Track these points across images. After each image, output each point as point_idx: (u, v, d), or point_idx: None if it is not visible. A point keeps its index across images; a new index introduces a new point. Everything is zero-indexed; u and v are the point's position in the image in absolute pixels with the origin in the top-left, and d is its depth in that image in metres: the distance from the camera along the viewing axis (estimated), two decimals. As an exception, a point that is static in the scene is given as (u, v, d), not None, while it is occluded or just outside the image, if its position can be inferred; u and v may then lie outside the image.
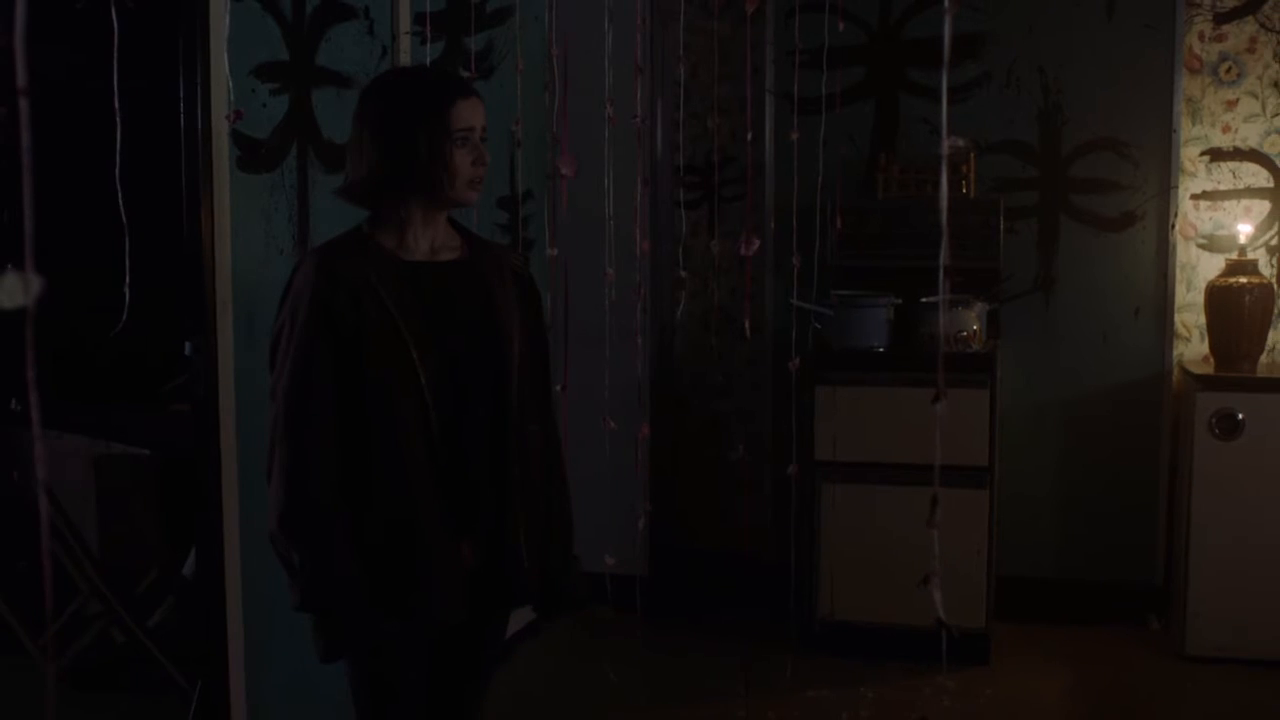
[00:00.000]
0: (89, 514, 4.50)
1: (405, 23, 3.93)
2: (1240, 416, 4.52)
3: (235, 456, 3.20)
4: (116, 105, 2.49)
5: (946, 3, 1.72)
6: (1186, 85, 4.97)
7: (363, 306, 2.38)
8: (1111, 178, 5.02)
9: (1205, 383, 4.62)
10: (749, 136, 3.96)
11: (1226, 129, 4.98)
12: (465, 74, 4.20)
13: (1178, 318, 5.04)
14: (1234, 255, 4.77)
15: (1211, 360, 4.83)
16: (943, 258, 1.80)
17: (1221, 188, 5.00)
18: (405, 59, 3.90)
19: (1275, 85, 4.92)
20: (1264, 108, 4.94)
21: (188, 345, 3.23)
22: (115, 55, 2.43)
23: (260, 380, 3.29)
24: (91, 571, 4.28)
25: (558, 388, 2.20)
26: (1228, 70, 4.96)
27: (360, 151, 2.48)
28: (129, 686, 4.28)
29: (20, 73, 1.39)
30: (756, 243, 2.53)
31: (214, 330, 3.15)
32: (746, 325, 3.68)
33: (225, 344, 3.17)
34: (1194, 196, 5.01)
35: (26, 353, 1.00)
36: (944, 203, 1.41)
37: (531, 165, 4.87)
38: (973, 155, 4.88)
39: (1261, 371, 4.72)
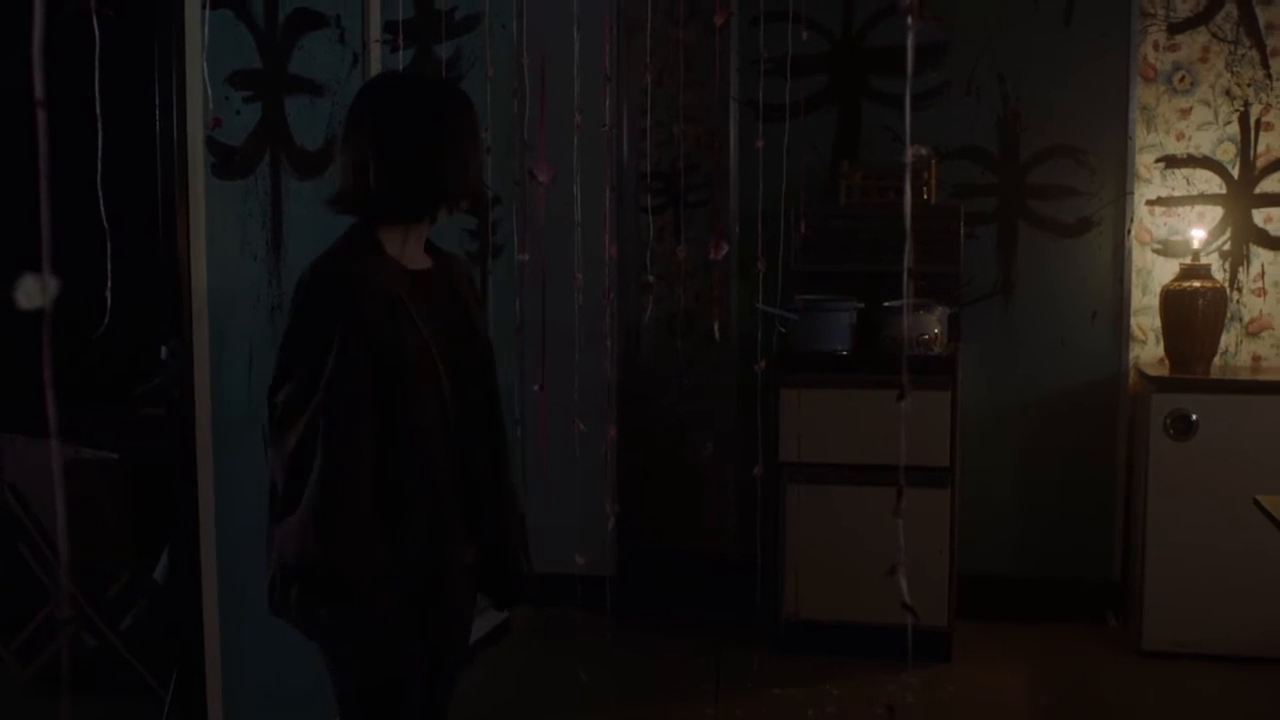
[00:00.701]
0: (59, 518, 4.51)
1: (375, 31, 3.98)
2: (1194, 417, 4.62)
3: (211, 457, 3.24)
4: (98, 112, 2.52)
5: (909, 18, 1.78)
6: (1141, 94, 5.06)
7: (398, 319, 2.33)
8: (1069, 184, 5.11)
9: (1160, 384, 4.71)
10: (716, 144, 4.01)
11: (1180, 136, 5.07)
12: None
13: (1133, 321, 5.13)
14: (1188, 260, 4.85)
15: (1166, 362, 4.91)
16: (906, 262, 1.88)
17: (1176, 194, 5.09)
18: (376, 67, 3.94)
19: (1227, 94, 5.02)
20: (1216, 116, 5.04)
21: (163, 349, 3.26)
22: (97, 63, 2.46)
23: (234, 382, 3.35)
24: (62, 575, 4.30)
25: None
26: (1181, 79, 5.06)
27: (378, 160, 2.37)
28: (101, 689, 4.28)
29: (38, 85, 1.43)
30: (725, 247, 2.58)
31: (190, 334, 3.20)
32: (715, 328, 3.74)
33: (201, 347, 3.21)
34: (1149, 202, 5.10)
35: (43, 354, 1.04)
36: (908, 209, 1.47)
37: (500, 171, 4.91)
38: (934, 162, 4.96)
39: (1215, 373, 4.81)
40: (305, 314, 2.33)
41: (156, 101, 3.19)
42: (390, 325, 2.31)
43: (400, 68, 4.07)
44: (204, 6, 3.10)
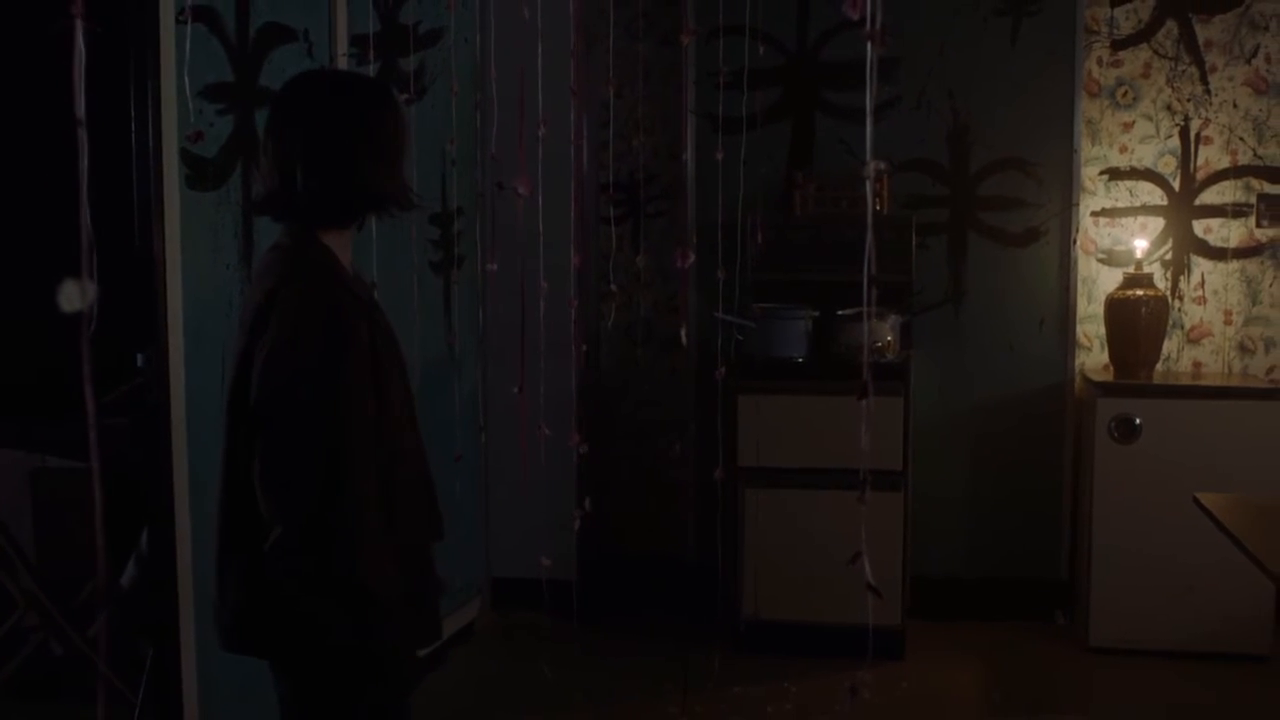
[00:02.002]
0: (25, 527, 4.53)
1: (343, 44, 4.03)
2: (1138, 421, 4.76)
3: (186, 462, 3.30)
4: (79, 121, 2.57)
5: (870, 44, 1.89)
6: (1086, 108, 5.20)
7: (376, 330, 2.29)
8: (1017, 195, 5.23)
9: (1105, 390, 4.84)
10: (683, 157, 4.11)
11: (1124, 149, 5.22)
12: (404, 95, 4.34)
13: (1079, 328, 5.26)
14: (1131, 269, 4.99)
15: (1111, 368, 5.05)
16: (867, 270, 1.97)
17: (1119, 205, 5.23)
18: None
19: (1168, 108, 5.17)
20: (1158, 129, 5.19)
21: (139, 356, 3.32)
22: (82, 76, 2.51)
23: (208, 389, 3.40)
24: (29, 584, 4.32)
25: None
26: (1124, 94, 5.21)
27: (307, 161, 2.25)
28: (68, 697, 4.29)
29: (78, 104, 1.51)
30: (691, 256, 2.67)
31: (166, 342, 3.25)
32: (683, 334, 3.84)
33: (176, 355, 3.26)
34: (1094, 213, 5.24)
35: (83, 358, 1.10)
36: (870, 220, 1.58)
37: (463, 183, 4.99)
38: (886, 174, 5.07)
39: (1157, 379, 4.95)
40: (300, 333, 2.19)
41: (133, 114, 3.24)
42: (372, 339, 2.26)
43: (367, 81, 4.17)
44: (186, 21, 3.15)
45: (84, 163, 1.03)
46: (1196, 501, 3.39)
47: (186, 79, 3.11)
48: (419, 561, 2.41)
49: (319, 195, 2.26)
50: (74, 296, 2.36)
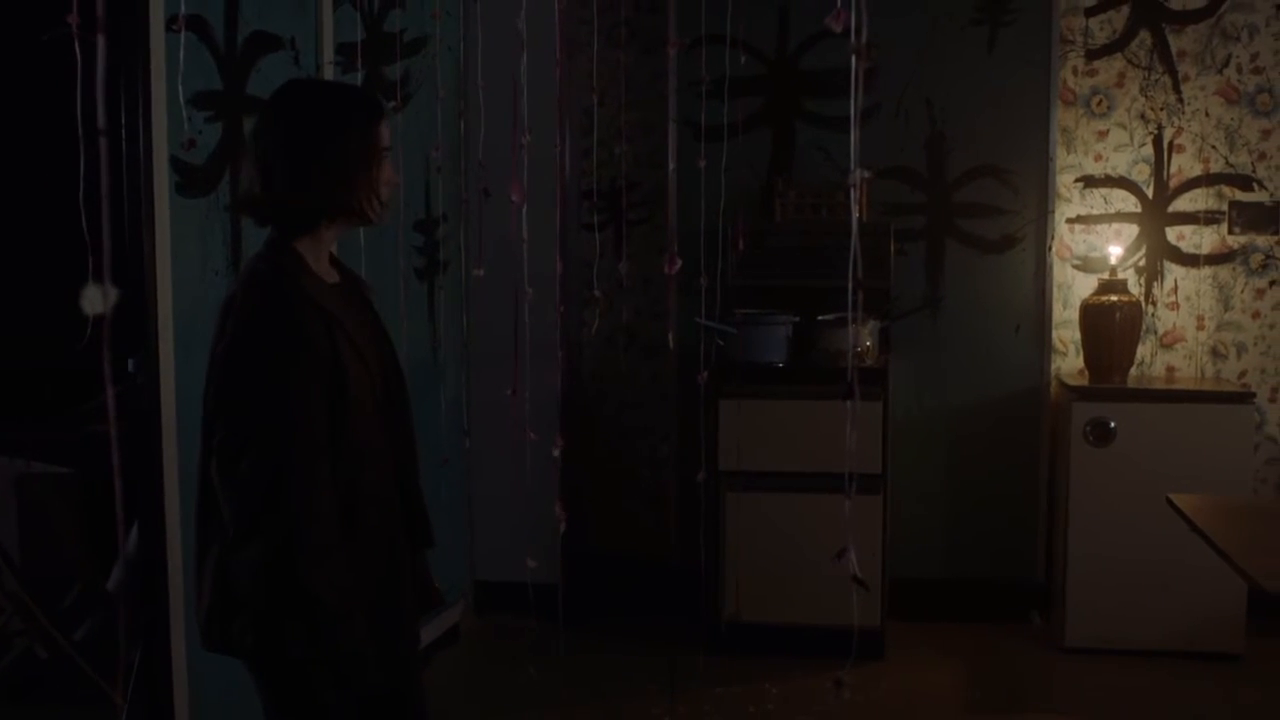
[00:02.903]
0: (10, 532, 4.55)
1: (329, 53, 4.06)
2: (1112, 425, 4.82)
3: (176, 466, 3.32)
4: (80, 133, 2.60)
5: (855, 57, 1.94)
6: (1061, 116, 5.26)
7: (332, 333, 2.29)
8: (993, 203, 5.28)
9: (1080, 394, 4.91)
10: (671, 166, 4.15)
11: (1098, 157, 5.29)
12: (390, 103, 4.38)
13: (1055, 334, 5.32)
14: (1106, 275, 5.06)
15: (1086, 373, 5.11)
16: (852, 275, 2.03)
17: (1094, 212, 5.30)
18: None
19: (1142, 117, 5.25)
20: (1132, 138, 5.26)
21: (130, 361, 3.35)
22: (79, 85, 2.55)
23: (197, 394, 3.43)
24: (14, 587, 4.34)
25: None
26: (1099, 103, 5.28)
27: (280, 165, 2.33)
28: (55, 701, 4.32)
29: (101, 115, 1.55)
30: (679, 262, 2.71)
31: (156, 347, 3.28)
32: (670, 338, 3.86)
33: (166, 360, 3.29)
34: (1069, 220, 5.31)
35: (103, 358, 1.14)
36: (855, 228, 1.64)
37: (447, 189, 5.03)
38: (865, 180, 5.12)
39: (1131, 383, 5.02)
40: (250, 337, 2.25)
41: (123, 122, 3.28)
42: (327, 340, 2.27)
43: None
44: (179, 31, 3.18)
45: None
46: (1170, 503, 3.44)
47: (180, 87, 3.14)
48: (388, 571, 2.42)
49: (284, 200, 2.35)
50: (95, 300, 2.41)
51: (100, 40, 2.67)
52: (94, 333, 2.89)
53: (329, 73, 4.06)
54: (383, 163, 2.40)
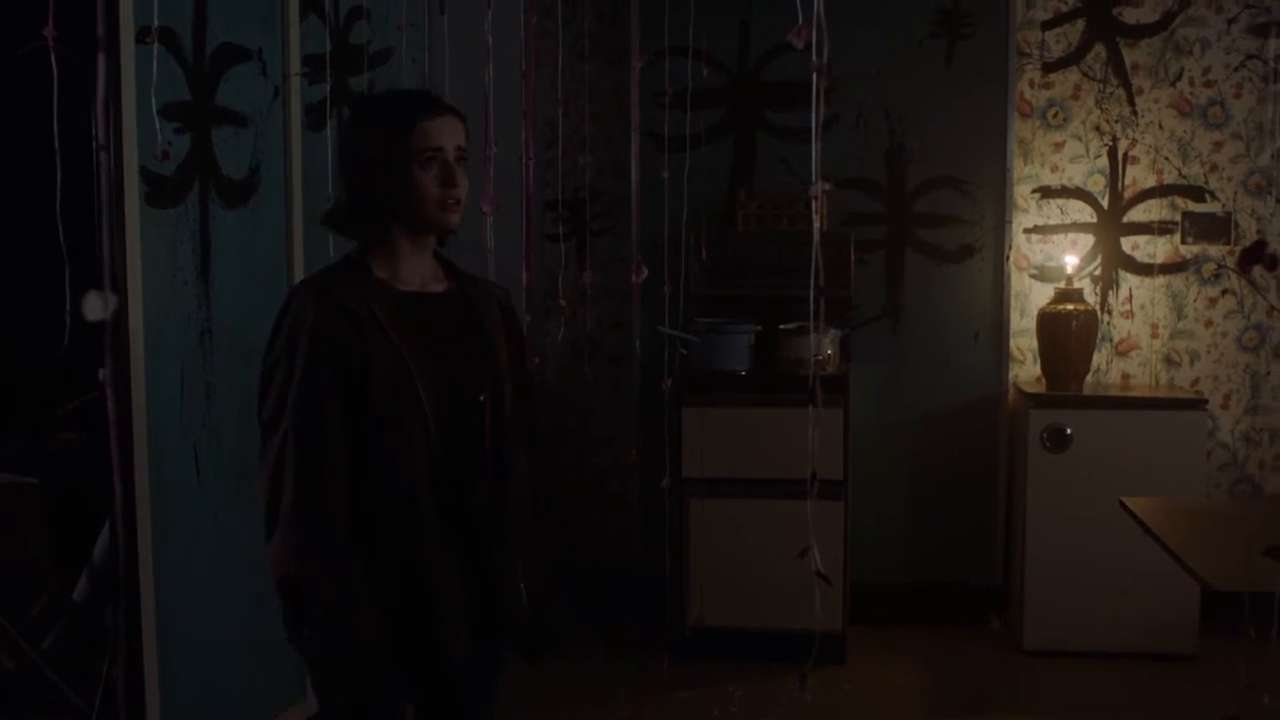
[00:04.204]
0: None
1: (295, 64, 4.08)
2: (1069, 431, 4.92)
3: (147, 474, 3.34)
4: (57, 145, 2.63)
5: (816, 75, 2.00)
6: (1018, 128, 5.36)
7: (366, 337, 2.30)
8: (952, 213, 5.37)
9: (1037, 401, 4.99)
10: (636, 177, 4.19)
11: (1055, 168, 5.39)
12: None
13: (1012, 342, 5.41)
14: (1062, 284, 5.15)
15: (1043, 380, 5.20)
16: (813, 284, 2.09)
17: (1050, 222, 5.40)
18: (295, 99, 4.05)
19: (1097, 129, 5.35)
20: (1087, 149, 5.37)
21: (101, 371, 3.37)
22: (55, 99, 2.57)
23: (168, 402, 3.47)
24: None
25: (480, 399, 2.31)
26: (1055, 115, 5.38)
27: (337, 178, 2.45)
28: (22, 710, 4.29)
29: (101, 130, 1.58)
30: (645, 271, 2.77)
31: (128, 356, 3.30)
32: (637, 345, 3.91)
33: (138, 369, 3.31)
34: (1026, 230, 5.40)
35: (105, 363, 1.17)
36: (816, 237, 1.70)
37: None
38: (826, 192, 5.18)
39: (1087, 390, 5.12)
40: (274, 333, 2.34)
41: (94, 133, 3.30)
42: (358, 344, 2.29)
43: (319, 100, 4.24)
44: (151, 43, 3.21)
45: (107, 187, 1.10)
46: (1123, 505, 3.49)
47: (154, 99, 3.17)
48: (412, 572, 2.36)
49: (343, 209, 2.46)
50: (96, 307, 2.47)
51: (101, 59, 2.70)
52: (71, 340, 2.93)
53: (295, 84, 4.07)
54: (427, 165, 2.35)
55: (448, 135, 2.37)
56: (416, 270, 2.45)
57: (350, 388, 2.29)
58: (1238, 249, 5.26)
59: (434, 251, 2.51)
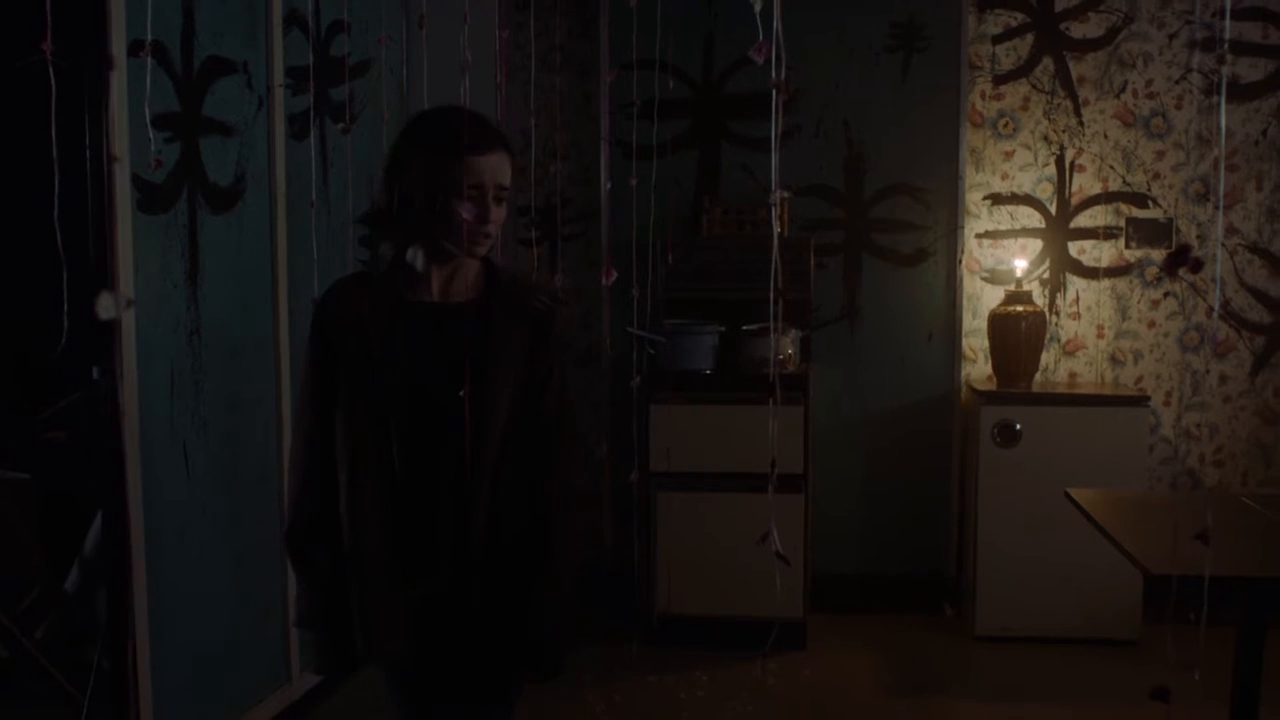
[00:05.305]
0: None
1: (279, 76, 4.19)
2: (1018, 426, 5.10)
3: (139, 471, 3.46)
4: (55, 155, 2.76)
5: (776, 91, 2.17)
6: (970, 138, 5.55)
7: (346, 340, 2.36)
8: (907, 219, 5.55)
9: (988, 398, 5.16)
10: (608, 186, 4.33)
11: (1005, 176, 5.58)
12: (338, 125, 4.56)
13: (965, 342, 5.60)
14: (1012, 287, 5.34)
15: (994, 378, 5.38)
16: (774, 287, 2.24)
17: (1001, 228, 5.59)
18: (279, 109, 4.17)
19: (1045, 139, 5.55)
20: (1036, 158, 5.56)
21: (95, 370, 3.49)
22: (53, 110, 2.70)
23: (158, 401, 3.60)
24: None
25: (459, 394, 2.38)
26: (1005, 125, 5.58)
27: (380, 182, 2.44)
28: (15, 699, 4.41)
29: (114, 141, 1.73)
30: (614, 274, 2.90)
31: (119, 356, 3.40)
32: (608, 344, 4.05)
33: (130, 369, 3.41)
34: (978, 236, 5.59)
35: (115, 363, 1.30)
36: (776, 242, 1.84)
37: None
38: (785, 199, 5.37)
39: (1036, 388, 5.30)
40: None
41: (88, 142, 3.43)
42: (340, 347, 2.37)
43: (302, 111, 4.38)
44: (146, 56, 3.33)
45: (120, 197, 1.22)
46: (1067, 495, 3.61)
47: (147, 110, 3.30)
48: (385, 577, 2.37)
49: (375, 213, 2.48)
50: (109, 306, 2.60)
51: (111, 78, 2.85)
52: (68, 340, 3.07)
53: (279, 95, 4.18)
54: (460, 199, 2.32)
55: (491, 173, 2.36)
56: (436, 281, 2.43)
57: (339, 399, 2.38)
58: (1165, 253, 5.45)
59: (485, 260, 2.48)
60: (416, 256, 2.44)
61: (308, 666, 2.59)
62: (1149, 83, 5.50)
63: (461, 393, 2.30)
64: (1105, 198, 5.55)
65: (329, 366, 2.39)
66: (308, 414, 2.43)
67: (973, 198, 5.59)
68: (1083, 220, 5.56)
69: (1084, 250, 5.57)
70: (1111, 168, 5.53)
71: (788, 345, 5.05)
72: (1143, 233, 5.53)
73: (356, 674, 2.57)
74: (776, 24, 1.98)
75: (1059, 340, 5.57)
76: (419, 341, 2.39)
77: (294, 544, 2.44)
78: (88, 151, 3.44)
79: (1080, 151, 5.55)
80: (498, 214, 2.39)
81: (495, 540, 2.41)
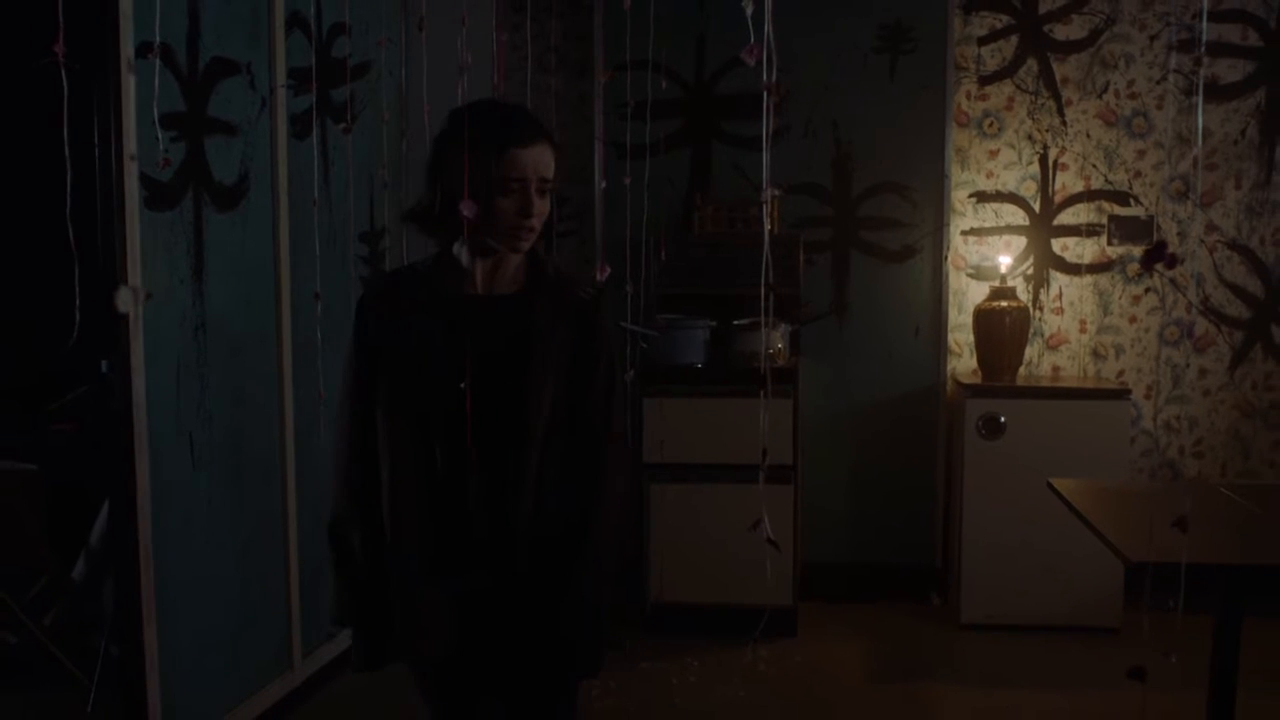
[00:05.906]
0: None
1: (281, 76, 4.26)
2: (1002, 419, 5.18)
3: (147, 463, 3.53)
4: (67, 154, 2.83)
5: (767, 93, 2.25)
6: (956, 137, 5.63)
7: (386, 332, 2.36)
8: (894, 216, 5.63)
9: (973, 391, 5.24)
10: (602, 184, 4.40)
11: (990, 175, 5.67)
12: (339, 125, 4.65)
13: (951, 336, 5.69)
14: (997, 283, 5.42)
15: (979, 372, 5.46)
16: (764, 283, 2.31)
17: (986, 225, 5.67)
18: (281, 109, 4.25)
19: (1029, 138, 5.64)
20: (1020, 157, 5.66)
21: (103, 363, 3.57)
22: (65, 111, 2.77)
23: (164, 394, 3.68)
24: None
25: (460, 386, 2.26)
26: (990, 125, 5.67)
27: (424, 178, 2.40)
28: (23, 685, 4.49)
29: (129, 142, 1.80)
30: (609, 270, 2.97)
31: (128, 350, 3.48)
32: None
33: (137, 361, 3.49)
34: (963, 233, 5.68)
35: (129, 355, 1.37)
36: (766, 239, 1.92)
37: (391, 204, 5.28)
38: (775, 197, 5.46)
39: (1020, 381, 5.37)
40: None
41: (96, 142, 3.51)
42: (380, 339, 2.37)
43: (304, 111, 4.45)
44: (154, 58, 3.41)
45: (133, 196, 1.29)
46: (1051, 487, 3.66)
47: (155, 109, 3.37)
48: (419, 571, 2.38)
49: (420, 210, 2.45)
50: (127, 300, 2.69)
51: (129, 81, 2.93)
52: (79, 335, 3.15)
53: (281, 95, 4.25)
54: (509, 193, 2.30)
55: (535, 165, 2.31)
56: (480, 274, 2.40)
57: (378, 388, 2.39)
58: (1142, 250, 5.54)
59: (532, 252, 2.44)
60: (461, 251, 2.41)
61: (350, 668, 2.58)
62: (1130, 83, 5.59)
63: (462, 385, 2.27)
64: (1087, 195, 5.63)
65: (371, 362, 2.39)
66: (348, 408, 2.41)
67: (958, 196, 5.68)
68: (1066, 218, 5.65)
69: (1067, 247, 5.66)
70: (1094, 166, 5.62)
71: (778, 340, 5.14)
72: (1124, 230, 5.62)
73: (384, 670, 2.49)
74: (767, 27, 2.06)
75: (1042, 335, 5.66)
76: (461, 335, 2.33)
77: (332, 534, 2.44)
78: (97, 150, 3.51)
79: (1063, 150, 5.63)
80: (541, 207, 2.34)
81: (539, 538, 2.37)
